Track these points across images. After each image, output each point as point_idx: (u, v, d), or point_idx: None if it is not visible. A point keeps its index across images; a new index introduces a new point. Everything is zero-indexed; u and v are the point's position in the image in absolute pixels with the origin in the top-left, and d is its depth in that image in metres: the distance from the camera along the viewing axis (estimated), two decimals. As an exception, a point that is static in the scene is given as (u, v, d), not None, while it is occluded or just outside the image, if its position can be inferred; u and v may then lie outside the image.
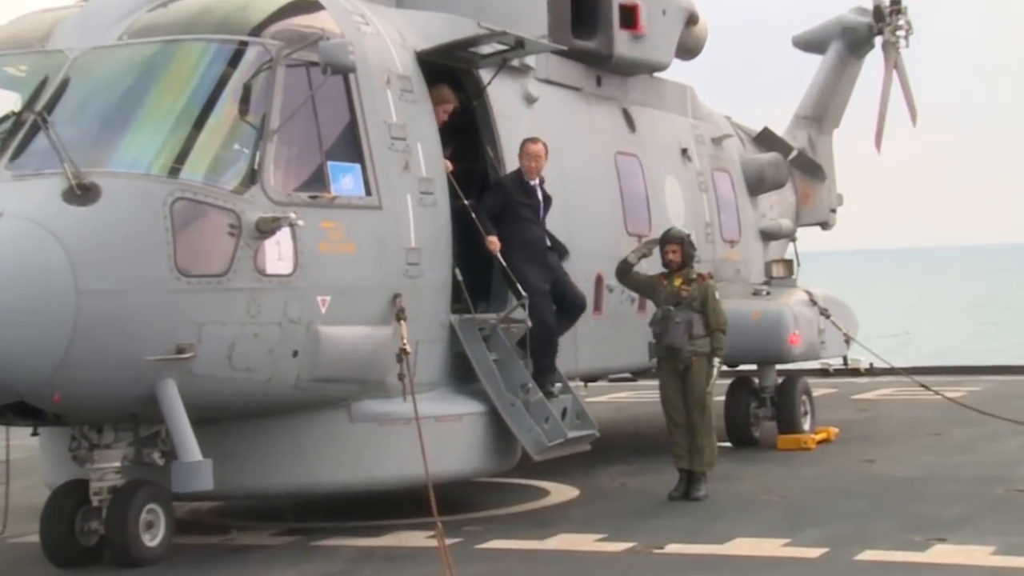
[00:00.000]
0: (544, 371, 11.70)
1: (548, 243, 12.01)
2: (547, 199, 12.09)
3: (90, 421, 9.61)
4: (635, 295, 13.67)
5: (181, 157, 9.65)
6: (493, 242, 11.48)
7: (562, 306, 11.96)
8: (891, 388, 20.59)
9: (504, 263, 11.49)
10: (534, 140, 11.97)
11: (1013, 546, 9.46)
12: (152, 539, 9.48)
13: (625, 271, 12.62)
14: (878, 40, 19.66)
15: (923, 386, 16.00)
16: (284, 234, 9.77)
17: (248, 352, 9.59)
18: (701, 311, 12.04)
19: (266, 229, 9.64)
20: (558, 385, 11.92)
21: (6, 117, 9.92)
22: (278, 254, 9.77)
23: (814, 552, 9.52)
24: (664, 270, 12.37)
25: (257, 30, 10.16)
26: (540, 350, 11.66)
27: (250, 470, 10.29)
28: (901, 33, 19.53)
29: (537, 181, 11.94)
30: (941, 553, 9.39)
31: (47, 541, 9.68)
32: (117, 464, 9.66)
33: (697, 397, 12.00)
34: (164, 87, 9.98)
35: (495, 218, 11.70)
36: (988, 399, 17.69)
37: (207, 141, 9.82)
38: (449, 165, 11.52)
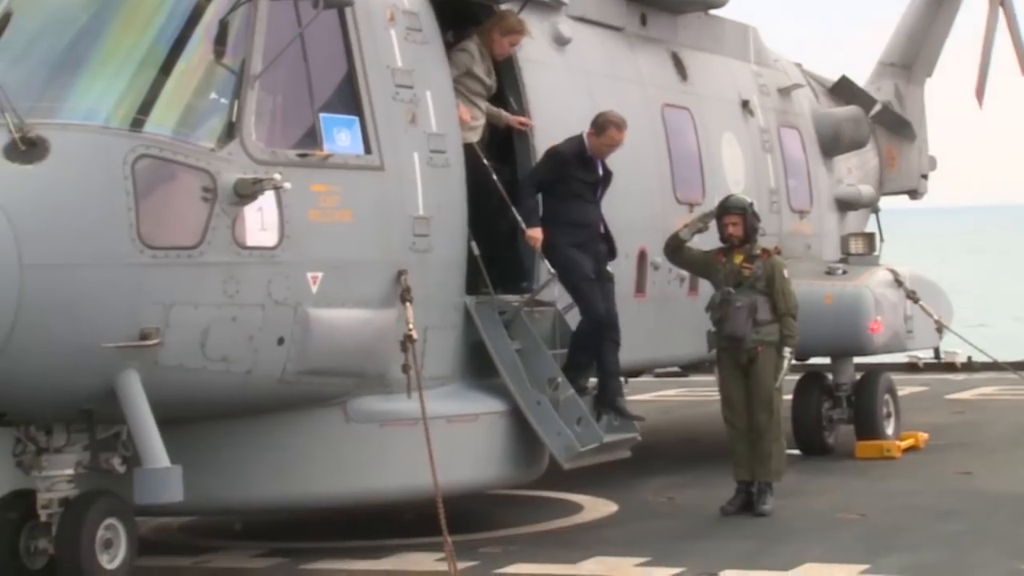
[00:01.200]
0: (581, 367, 11.63)
1: (602, 230, 11.88)
2: (607, 175, 11.97)
3: (38, 420, 9.58)
4: (685, 274, 13.60)
5: (145, 107, 9.62)
6: (535, 238, 11.36)
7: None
8: (993, 386, 20.51)
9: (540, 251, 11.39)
10: (621, 126, 11.82)
11: None
12: (111, 560, 9.43)
13: (677, 247, 12.57)
14: (981, -30, 19.53)
15: (1032, 383, 15.88)
16: (268, 199, 9.73)
17: (225, 339, 9.55)
18: (767, 293, 11.99)
19: (246, 193, 9.60)
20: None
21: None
22: (260, 223, 9.74)
23: (898, 581, 9.50)
24: (722, 245, 12.30)
25: (236, -44, 10.11)
26: (582, 346, 11.58)
27: (228, 479, 10.26)
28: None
29: (595, 160, 11.81)
30: (1052, 583, 9.35)
31: (-13, 562, 9.68)
32: (70, 471, 9.64)
33: (764, 395, 11.95)
34: (125, 24, 9.95)
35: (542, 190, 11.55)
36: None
37: (176, 88, 9.80)
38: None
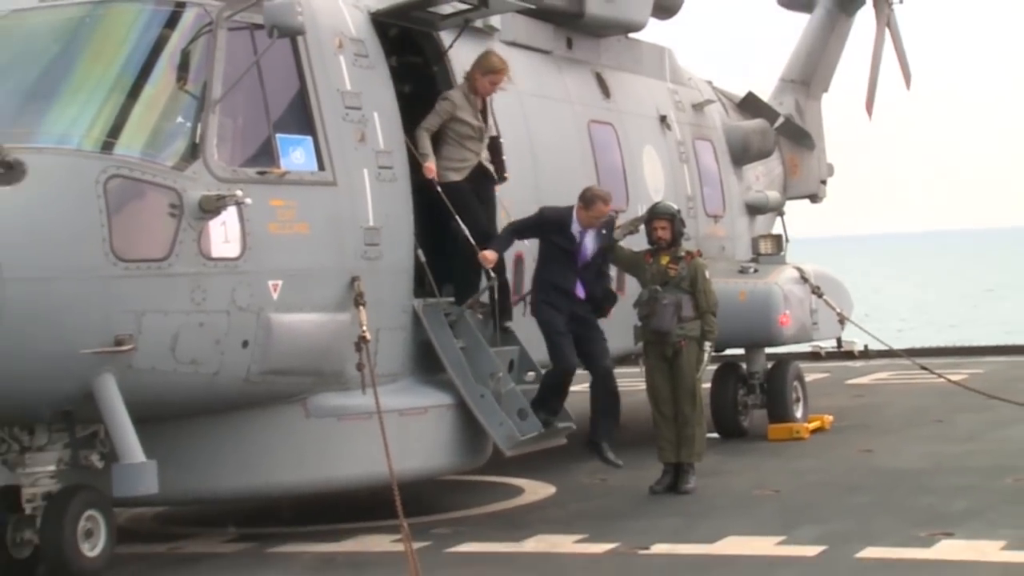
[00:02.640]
0: (548, 404, 11.57)
1: (582, 294, 11.75)
2: (599, 254, 11.89)
3: (20, 421, 9.51)
4: (612, 275, 13.64)
5: (114, 131, 9.58)
6: (487, 256, 11.30)
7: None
8: (888, 372, 20.70)
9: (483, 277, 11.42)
10: (607, 200, 11.84)
11: (1026, 539, 9.51)
12: (92, 549, 9.37)
13: (609, 247, 12.60)
14: (869, -5, 19.70)
15: (924, 368, 16.05)
16: (230, 214, 9.73)
17: (193, 343, 9.54)
18: (690, 292, 12.07)
19: (210, 208, 9.59)
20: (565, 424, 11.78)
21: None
22: (224, 236, 9.73)
23: (811, 550, 9.54)
24: (650, 247, 12.37)
25: (195, -10, 10.06)
26: (550, 386, 11.57)
27: (198, 472, 10.23)
28: (894, -13, 19.58)
29: (584, 231, 11.73)
30: (948, 549, 9.42)
31: (-26, 554, 9.57)
32: (52, 468, 9.56)
33: (688, 386, 12.05)
34: (94, 54, 9.91)
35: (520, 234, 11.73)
36: (993, 382, 17.78)
37: (143, 113, 9.77)
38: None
